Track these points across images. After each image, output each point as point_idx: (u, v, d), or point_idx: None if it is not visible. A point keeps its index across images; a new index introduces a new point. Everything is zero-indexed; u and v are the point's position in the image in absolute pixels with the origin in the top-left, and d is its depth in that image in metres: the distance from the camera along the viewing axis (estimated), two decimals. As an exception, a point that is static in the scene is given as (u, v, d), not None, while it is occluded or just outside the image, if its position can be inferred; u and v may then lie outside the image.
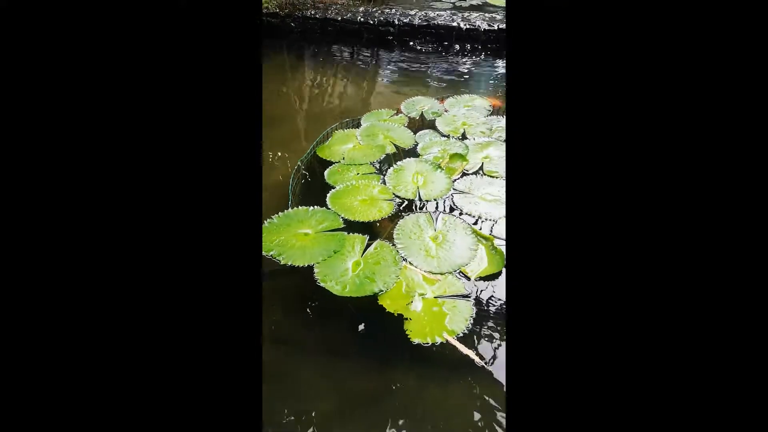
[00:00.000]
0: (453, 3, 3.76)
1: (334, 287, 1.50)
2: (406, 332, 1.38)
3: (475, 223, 1.80)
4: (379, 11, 3.47)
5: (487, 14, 3.39)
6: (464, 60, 3.20)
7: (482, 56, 3.21)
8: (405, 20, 3.35)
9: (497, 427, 1.20)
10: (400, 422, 1.22)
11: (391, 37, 3.39)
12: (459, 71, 3.07)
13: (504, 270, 1.59)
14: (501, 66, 3.09)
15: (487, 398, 1.26)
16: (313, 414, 1.23)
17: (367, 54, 3.36)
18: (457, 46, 3.30)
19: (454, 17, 3.34)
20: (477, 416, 1.22)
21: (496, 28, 3.22)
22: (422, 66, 3.14)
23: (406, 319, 1.42)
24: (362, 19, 3.40)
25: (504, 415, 1.22)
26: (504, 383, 1.28)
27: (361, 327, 1.43)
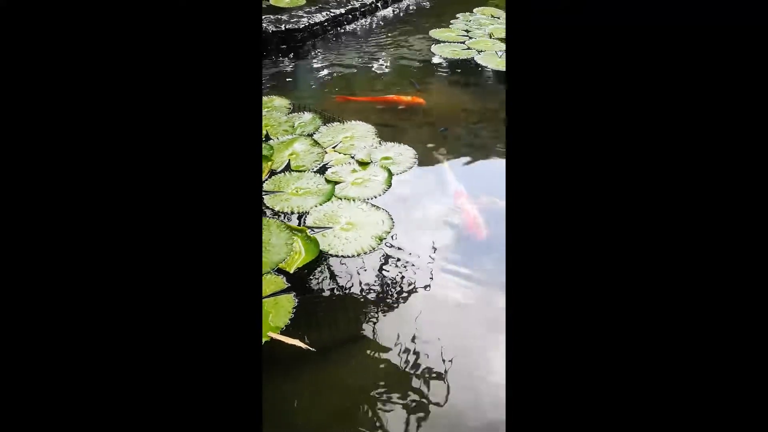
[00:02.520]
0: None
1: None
2: (231, 342, 1.34)
3: (293, 219, 1.82)
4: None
5: (272, 16, 3.42)
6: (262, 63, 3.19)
7: (276, 58, 3.23)
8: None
9: (365, 404, 1.24)
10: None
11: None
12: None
13: (319, 254, 1.64)
14: (300, 66, 3.14)
15: (331, 380, 1.30)
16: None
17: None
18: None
19: (241, 23, 3.31)
20: (333, 401, 1.25)
21: (283, 28, 3.27)
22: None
23: (230, 329, 1.38)
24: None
25: (373, 392, 1.27)
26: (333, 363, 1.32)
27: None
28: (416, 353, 1.35)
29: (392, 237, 1.72)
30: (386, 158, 2.13)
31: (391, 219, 1.78)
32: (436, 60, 3.09)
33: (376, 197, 1.91)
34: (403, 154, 2.17)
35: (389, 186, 1.98)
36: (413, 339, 1.38)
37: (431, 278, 1.58)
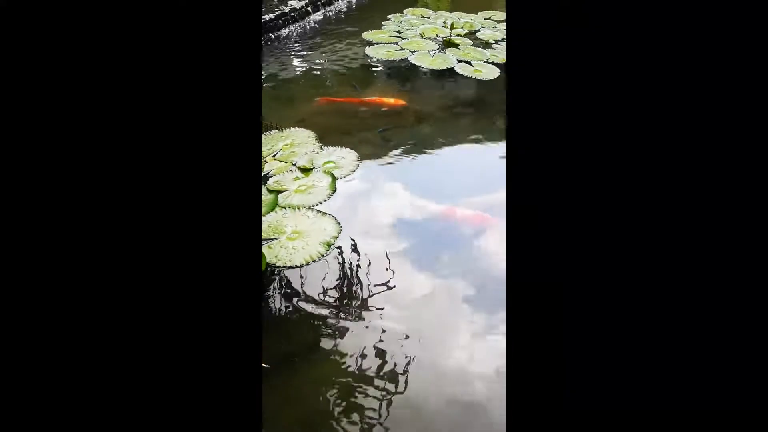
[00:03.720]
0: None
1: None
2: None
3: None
4: None
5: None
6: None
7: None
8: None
9: (326, 417, 1.21)
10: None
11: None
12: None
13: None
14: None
15: (291, 395, 1.26)
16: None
17: None
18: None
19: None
20: (294, 415, 1.21)
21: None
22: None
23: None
24: None
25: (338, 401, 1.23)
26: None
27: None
28: (375, 358, 1.34)
29: (341, 241, 1.70)
30: (329, 163, 2.10)
31: (338, 224, 1.76)
32: (371, 62, 3.10)
33: (321, 203, 1.88)
34: (345, 157, 2.15)
35: (334, 190, 1.95)
36: (371, 344, 1.37)
37: (384, 279, 1.57)
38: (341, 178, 2.02)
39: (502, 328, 1.42)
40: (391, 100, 2.61)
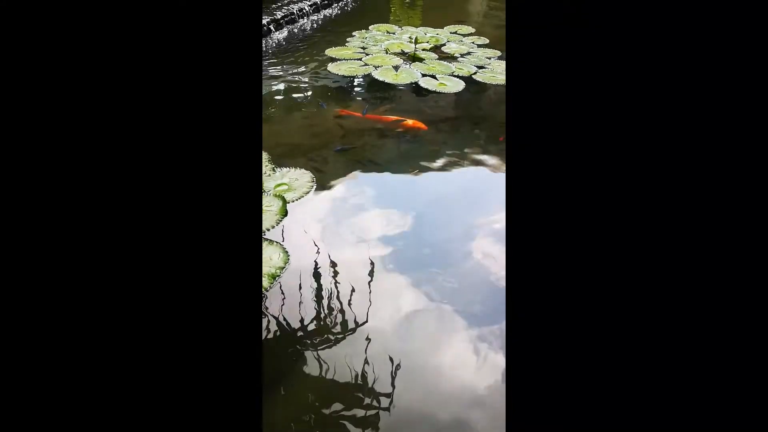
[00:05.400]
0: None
1: None
2: None
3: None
4: None
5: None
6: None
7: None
8: None
9: None
10: None
11: None
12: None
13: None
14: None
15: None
16: None
17: None
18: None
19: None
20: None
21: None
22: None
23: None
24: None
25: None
26: None
27: None
28: (329, 398, 1.18)
29: (287, 272, 1.54)
30: (281, 185, 1.96)
31: (286, 252, 1.61)
32: (334, 78, 2.98)
33: (269, 230, 1.73)
34: (299, 179, 2.01)
35: (284, 215, 1.80)
36: (325, 372, 1.22)
37: (333, 310, 1.42)
38: (293, 201, 1.88)
39: (457, 368, 1.28)
40: (410, 122, 2.47)
